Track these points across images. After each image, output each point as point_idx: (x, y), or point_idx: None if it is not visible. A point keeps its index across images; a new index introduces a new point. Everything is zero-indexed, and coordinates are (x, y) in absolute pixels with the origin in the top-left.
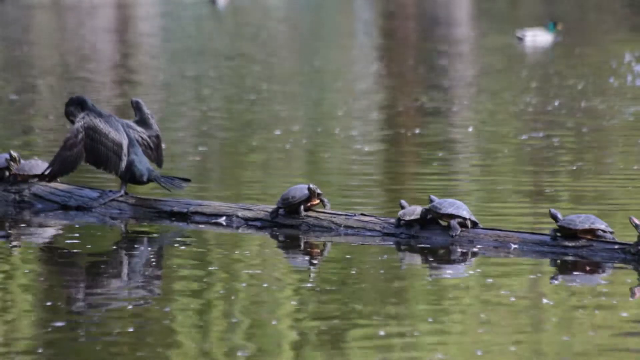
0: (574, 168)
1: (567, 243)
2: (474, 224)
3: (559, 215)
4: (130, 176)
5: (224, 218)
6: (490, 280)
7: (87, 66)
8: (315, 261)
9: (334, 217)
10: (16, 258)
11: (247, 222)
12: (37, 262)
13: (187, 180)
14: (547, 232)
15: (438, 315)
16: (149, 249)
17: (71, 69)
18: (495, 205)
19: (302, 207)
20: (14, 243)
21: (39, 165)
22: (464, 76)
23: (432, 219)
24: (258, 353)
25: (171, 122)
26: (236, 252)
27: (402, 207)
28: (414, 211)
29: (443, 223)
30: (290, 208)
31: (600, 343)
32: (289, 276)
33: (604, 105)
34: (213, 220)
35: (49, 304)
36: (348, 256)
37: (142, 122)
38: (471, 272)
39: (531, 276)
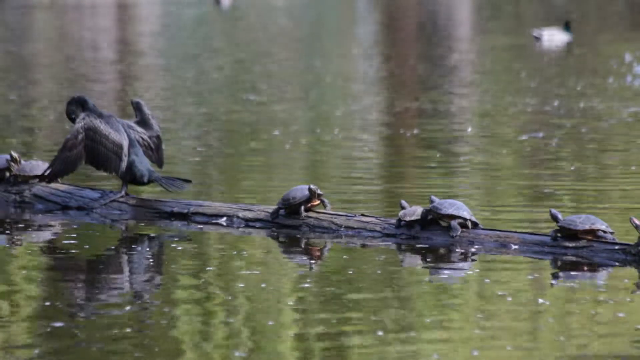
0: (573, 169)
1: (567, 244)
2: (475, 225)
3: (560, 216)
4: (131, 177)
5: (224, 219)
6: (490, 280)
7: (87, 66)
8: (315, 262)
9: (335, 218)
10: (16, 258)
11: (248, 222)
12: (37, 262)
13: (187, 181)
14: (547, 232)
15: (438, 316)
16: (150, 249)
17: (71, 69)
18: (495, 205)
19: (302, 207)
20: (15, 243)
21: (40, 166)
22: (464, 76)
23: (432, 220)
24: (258, 354)
25: (171, 122)
26: (237, 252)
27: (403, 208)
28: (414, 212)
29: (443, 224)
30: (290, 209)
31: (600, 344)
32: (289, 277)
33: (603, 105)
34: (214, 221)
35: (48, 304)
36: (348, 257)
37: (143, 122)
38: (472, 272)
39: (531, 276)
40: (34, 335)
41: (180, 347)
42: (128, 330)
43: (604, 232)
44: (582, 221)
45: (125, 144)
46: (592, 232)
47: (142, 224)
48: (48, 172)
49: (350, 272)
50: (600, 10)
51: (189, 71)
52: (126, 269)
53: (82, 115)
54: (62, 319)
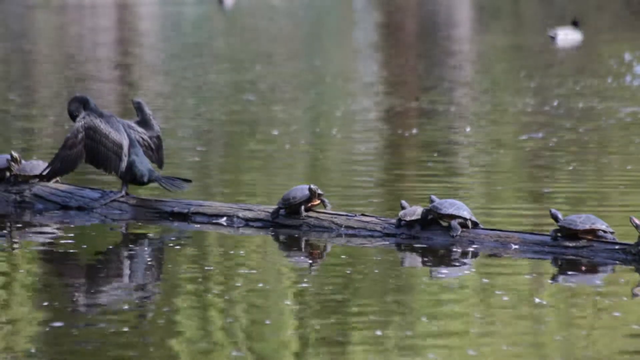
0: (572, 168)
1: (567, 243)
2: (475, 225)
3: (560, 216)
4: (131, 177)
5: (224, 218)
6: (490, 280)
7: (87, 66)
8: (315, 261)
9: (335, 218)
10: (16, 258)
11: (248, 222)
12: (37, 262)
13: (188, 180)
14: (547, 232)
15: (438, 316)
16: (150, 249)
17: (71, 68)
18: (495, 205)
19: (302, 207)
20: (15, 243)
21: (40, 166)
22: (464, 76)
23: (432, 220)
24: (257, 354)
25: (171, 122)
26: (237, 252)
27: (403, 208)
28: (414, 211)
29: (444, 223)
30: (291, 208)
31: (600, 344)
32: (289, 277)
33: (602, 105)
34: (214, 221)
35: (48, 304)
36: (349, 256)
37: (143, 122)
38: (472, 272)
39: (531, 276)
40: (33, 335)
41: (179, 347)
42: (127, 330)
43: (604, 231)
44: (583, 221)
45: (125, 143)
46: (593, 231)
47: (143, 224)
48: (47, 170)
49: (350, 272)
50: (600, 10)
51: (189, 71)
52: (126, 269)
53: (82, 114)
54: (61, 319)
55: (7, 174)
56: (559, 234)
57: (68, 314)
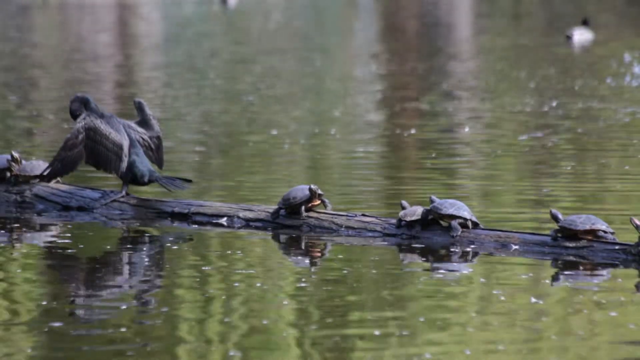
0: (569, 168)
1: (567, 244)
2: (475, 225)
3: (560, 216)
4: (132, 177)
5: (225, 219)
6: (490, 280)
7: (87, 66)
8: (316, 262)
9: (335, 218)
10: (17, 258)
11: (249, 222)
12: (37, 262)
13: (188, 180)
14: (547, 232)
15: (437, 316)
16: (150, 249)
17: (71, 68)
18: (495, 205)
19: (303, 207)
20: (15, 244)
21: (41, 166)
22: (464, 76)
23: (433, 220)
24: (256, 354)
25: (171, 122)
26: (237, 252)
27: (403, 208)
28: (415, 212)
29: (444, 224)
30: (291, 209)
31: (599, 344)
32: (289, 277)
33: (601, 105)
34: (214, 221)
35: (47, 304)
36: (349, 257)
37: (144, 122)
38: (472, 272)
39: (531, 276)
40: (32, 336)
41: (178, 347)
42: (126, 330)
43: (605, 232)
44: (583, 221)
45: (125, 144)
46: (593, 232)
47: (143, 224)
48: (47, 171)
49: (350, 272)
50: (600, 9)
51: (189, 71)
52: (126, 269)
53: (82, 115)
54: (60, 319)
55: (8, 174)
56: (559, 235)
57: (67, 313)
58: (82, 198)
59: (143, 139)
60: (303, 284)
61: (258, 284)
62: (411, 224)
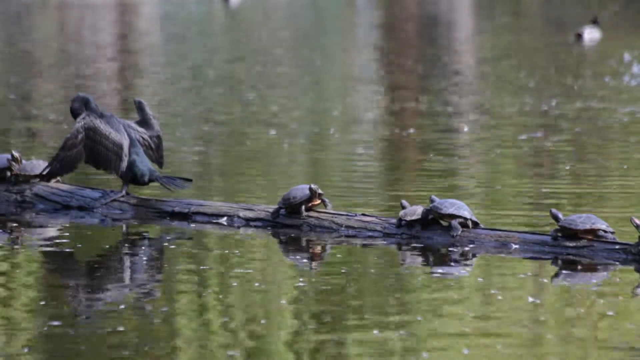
0: (568, 168)
1: (568, 243)
2: (475, 224)
3: (560, 216)
4: (132, 176)
5: (225, 218)
6: (490, 280)
7: (87, 66)
8: (316, 261)
9: (335, 217)
10: (17, 258)
11: (249, 222)
12: (37, 262)
13: (188, 180)
14: (547, 232)
15: (437, 316)
16: (150, 249)
17: (71, 68)
18: (495, 205)
19: (303, 207)
20: (15, 243)
21: (41, 166)
22: (464, 76)
23: (433, 219)
24: (256, 354)
25: (171, 121)
26: (237, 252)
27: (403, 207)
28: (415, 211)
29: (444, 223)
30: (291, 208)
31: (599, 344)
32: (289, 276)
33: (601, 104)
34: (214, 221)
35: (48, 304)
36: (349, 256)
37: (144, 122)
38: (472, 272)
39: (531, 276)
40: (31, 335)
41: (178, 347)
42: (125, 330)
43: (605, 231)
44: (583, 221)
45: (125, 143)
46: (593, 231)
47: (143, 224)
48: (47, 170)
49: (350, 272)
50: (600, 9)
51: (189, 70)
52: (126, 268)
53: (82, 114)
54: (59, 319)
55: (8, 173)
56: (559, 234)
57: (67, 313)
58: (82, 197)
59: (143, 138)
60: (302, 284)
61: (258, 284)
62: (411, 224)
